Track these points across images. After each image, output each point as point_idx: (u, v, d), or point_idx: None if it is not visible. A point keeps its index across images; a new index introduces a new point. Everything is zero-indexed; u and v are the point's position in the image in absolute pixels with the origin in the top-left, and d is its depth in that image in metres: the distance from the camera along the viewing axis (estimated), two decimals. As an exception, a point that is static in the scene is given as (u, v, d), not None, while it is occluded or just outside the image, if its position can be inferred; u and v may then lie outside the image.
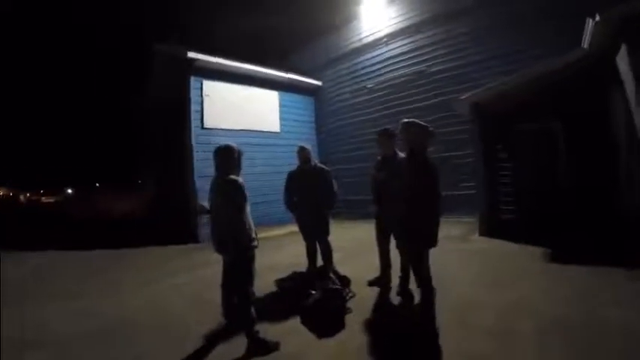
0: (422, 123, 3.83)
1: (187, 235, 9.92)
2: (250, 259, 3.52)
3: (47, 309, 5.00)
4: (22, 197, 70.04)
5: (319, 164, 5.79)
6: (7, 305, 4.99)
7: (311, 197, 5.41)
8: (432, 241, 3.64)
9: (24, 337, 4.06)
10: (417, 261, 3.73)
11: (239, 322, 3.57)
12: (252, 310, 3.46)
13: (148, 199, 17.87)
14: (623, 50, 5.56)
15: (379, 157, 5.01)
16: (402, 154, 4.64)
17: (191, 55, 10.18)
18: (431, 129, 3.85)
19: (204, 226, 9.29)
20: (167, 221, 12.52)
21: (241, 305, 3.47)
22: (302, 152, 5.55)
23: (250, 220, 3.56)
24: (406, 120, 3.91)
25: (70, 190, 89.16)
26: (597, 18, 5.37)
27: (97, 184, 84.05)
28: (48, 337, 4.10)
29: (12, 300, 5.31)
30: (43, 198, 75.98)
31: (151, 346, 3.74)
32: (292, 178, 5.66)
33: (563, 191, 7.34)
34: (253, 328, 3.45)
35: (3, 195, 66.47)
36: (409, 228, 3.66)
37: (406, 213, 3.65)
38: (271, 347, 3.45)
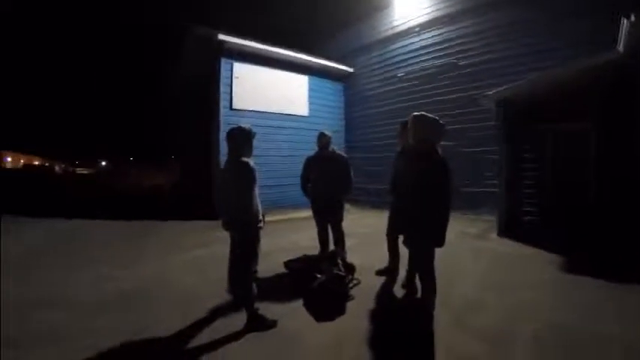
0: (432, 117, 3.63)
1: (210, 212, 10.08)
2: (255, 239, 3.62)
3: (69, 274, 5.35)
4: (57, 168, 71.52)
5: (337, 151, 5.85)
6: (32, 268, 5.55)
7: (326, 182, 5.49)
8: (439, 241, 3.45)
9: (42, 298, 4.37)
10: (421, 258, 3.63)
11: (239, 298, 3.72)
12: (254, 287, 3.58)
13: (179, 176, 18.27)
14: None
15: (399, 149, 5.01)
16: None
17: (221, 37, 10.32)
18: (442, 123, 3.68)
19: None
20: (193, 197, 12.79)
21: (243, 282, 3.59)
22: (322, 138, 5.61)
23: (258, 201, 3.65)
24: (416, 113, 3.69)
25: (104, 163, 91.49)
26: (632, 18, 5.10)
27: (132, 158, 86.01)
28: (65, 299, 4.38)
29: (36, 264, 5.83)
30: (78, 169, 77.78)
31: (156, 315, 3.94)
32: (310, 163, 5.74)
33: (589, 198, 7.09)
34: (253, 304, 3.57)
35: (39, 165, 67.81)
36: (416, 226, 3.52)
37: (414, 211, 3.52)
38: (269, 324, 3.58)
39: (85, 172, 65.94)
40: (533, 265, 5.79)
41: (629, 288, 4.65)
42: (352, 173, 5.63)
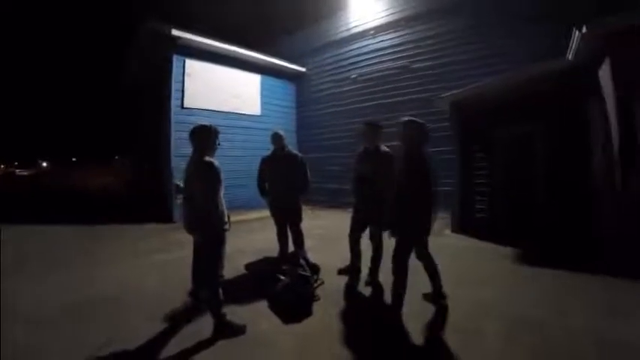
0: (420, 121, 3.99)
1: (163, 215, 9.85)
2: (220, 242, 3.49)
3: (21, 284, 4.93)
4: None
5: (293, 150, 5.83)
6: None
7: (283, 183, 5.46)
8: (428, 232, 3.98)
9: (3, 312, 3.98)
10: (404, 251, 3.86)
11: (207, 304, 3.56)
12: (220, 292, 3.46)
13: (126, 176, 17.70)
14: (606, 64, 5.49)
15: (361, 149, 4.98)
16: (384, 148, 4.73)
17: (175, 33, 9.98)
18: (428, 127, 4.03)
19: (180, 206, 9.05)
20: (143, 199, 12.40)
21: (209, 287, 3.46)
22: (276, 138, 5.58)
23: (223, 203, 3.54)
24: (406, 118, 4.04)
25: (45, 164, 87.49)
26: (584, 30, 5.31)
27: (74, 159, 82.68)
28: (26, 312, 4.05)
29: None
30: (17, 171, 73.81)
31: (120, 324, 3.73)
32: (265, 163, 5.69)
33: (537, 195, 7.44)
34: (220, 310, 3.46)
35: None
36: (409, 220, 3.81)
37: (410, 205, 3.77)
38: (238, 330, 3.48)
39: (25, 173, 62.57)
40: (490, 260, 5.96)
41: (583, 277, 4.92)
42: (309, 172, 5.64)
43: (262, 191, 5.73)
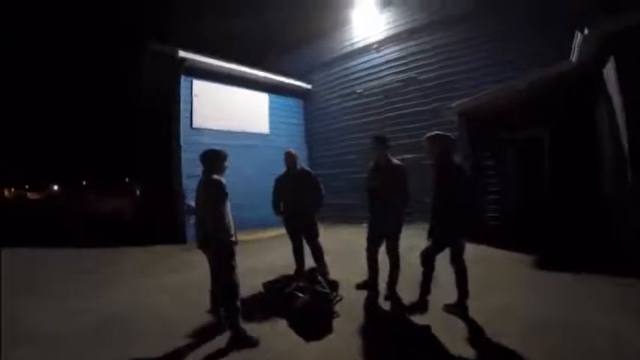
0: (446, 134, 4.34)
1: (175, 236, 9.89)
2: (230, 254, 3.68)
3: (37, 306, 4.98)
4: (7, 192, 68.14)
5: (305, 168, 5.95)
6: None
7: (298, 200, 5.52)
8: (461, 235, 4.28)
9: (15, 333, 4.03)
10: (433, 250, 4.31)
11: (226, 313, 3.69)
12: (238, 302, 3.60)
13: (136, 198, 17.79)
14: (610, 64, 5.52)
15: (372, 164, 4.99)
16: (395, 161, 4.76)
17: (182, 54, 10.15)
18: (454, 138, 4.44)
19: (192, 226, 9.07)
20: (154, 221, 12.42)
21: (227, 297, 3.62)
22: (289, 157, 5.65)
23: (230, 217, 3.76)
24: (433, 133, 4.39)
25: (55, 187, 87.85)
26: (586, 32, 5.35)
27: (84, 182, 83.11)
28: (38, 333, 4.08)
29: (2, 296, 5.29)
30: (29, 194, 74.27)
31: (138, 345, 3.74)
32: (279, 182, 5.77)
33: (547, 200, 7.44)
34: (238, 318, 3.57)
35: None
36: (444, 224, 4.21)
37: (440, 213, 4.19)
38: (252, 342, 3.55)
39: (37, 196, 63.01)
40: (506, 267, 5.97)
41: (598, 278, 4.97)
42: (322, 187, 5.69)
43: (277, 209, 5.80)
